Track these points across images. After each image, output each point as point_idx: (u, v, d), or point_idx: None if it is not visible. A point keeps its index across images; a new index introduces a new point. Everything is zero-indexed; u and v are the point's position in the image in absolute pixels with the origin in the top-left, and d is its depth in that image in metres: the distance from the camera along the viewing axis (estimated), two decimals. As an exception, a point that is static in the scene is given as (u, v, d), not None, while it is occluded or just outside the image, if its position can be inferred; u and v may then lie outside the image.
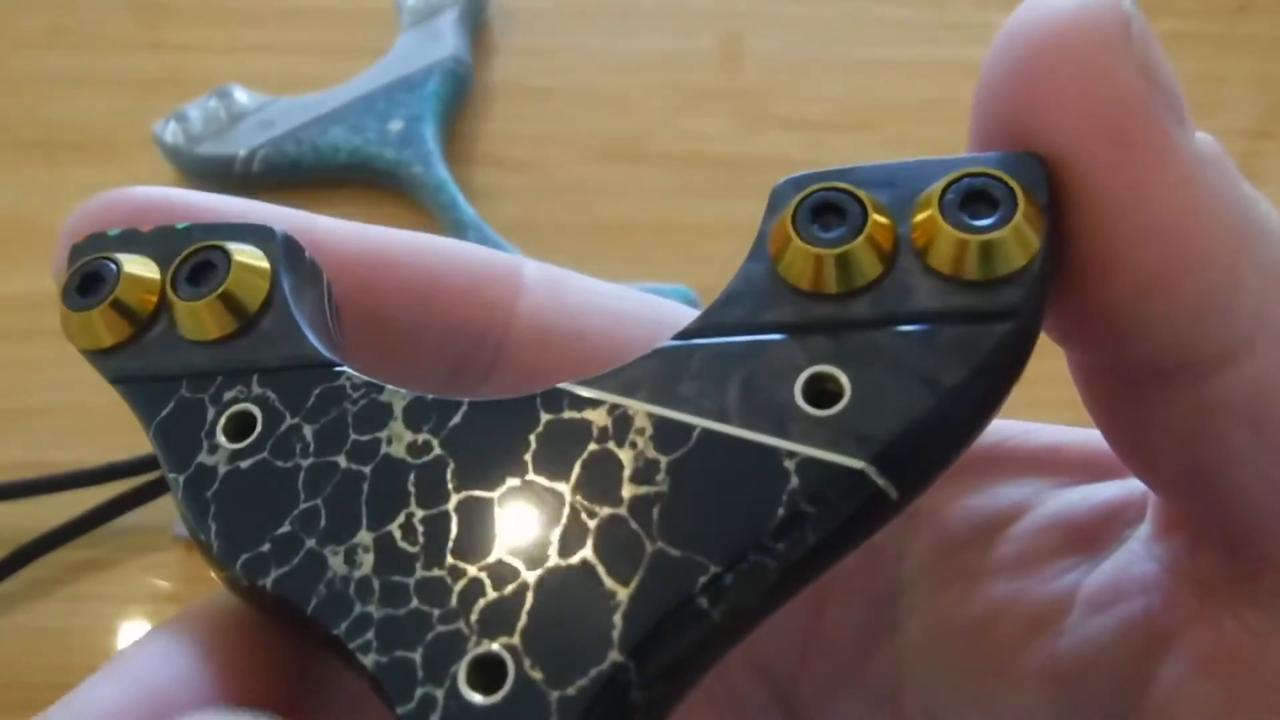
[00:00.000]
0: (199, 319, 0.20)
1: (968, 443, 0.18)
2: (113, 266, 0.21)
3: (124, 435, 0.48)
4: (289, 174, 0.56)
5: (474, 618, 0.17)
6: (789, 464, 0.17)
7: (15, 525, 0.46)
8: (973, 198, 0.18)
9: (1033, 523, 0.23)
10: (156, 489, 0.47)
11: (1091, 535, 0.23)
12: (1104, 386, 0.20)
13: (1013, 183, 0.18)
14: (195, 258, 0.21)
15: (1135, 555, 0.22)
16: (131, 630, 0.45)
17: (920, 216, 0.18)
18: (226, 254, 0.21)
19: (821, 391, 0.18)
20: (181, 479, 0.19)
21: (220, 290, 0.20)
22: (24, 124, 0.59)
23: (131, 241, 0.21)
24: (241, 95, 0.57)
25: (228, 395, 0.20)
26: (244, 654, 0.19)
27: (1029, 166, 0.18)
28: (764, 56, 0.61)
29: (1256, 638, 0.20)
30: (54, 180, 0.57)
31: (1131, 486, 0.23)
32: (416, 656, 0.17)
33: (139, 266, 0.21)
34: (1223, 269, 0.18)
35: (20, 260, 0.55)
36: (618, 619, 0.17)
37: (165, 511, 0.47)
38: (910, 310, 0.18)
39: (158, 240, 0.21)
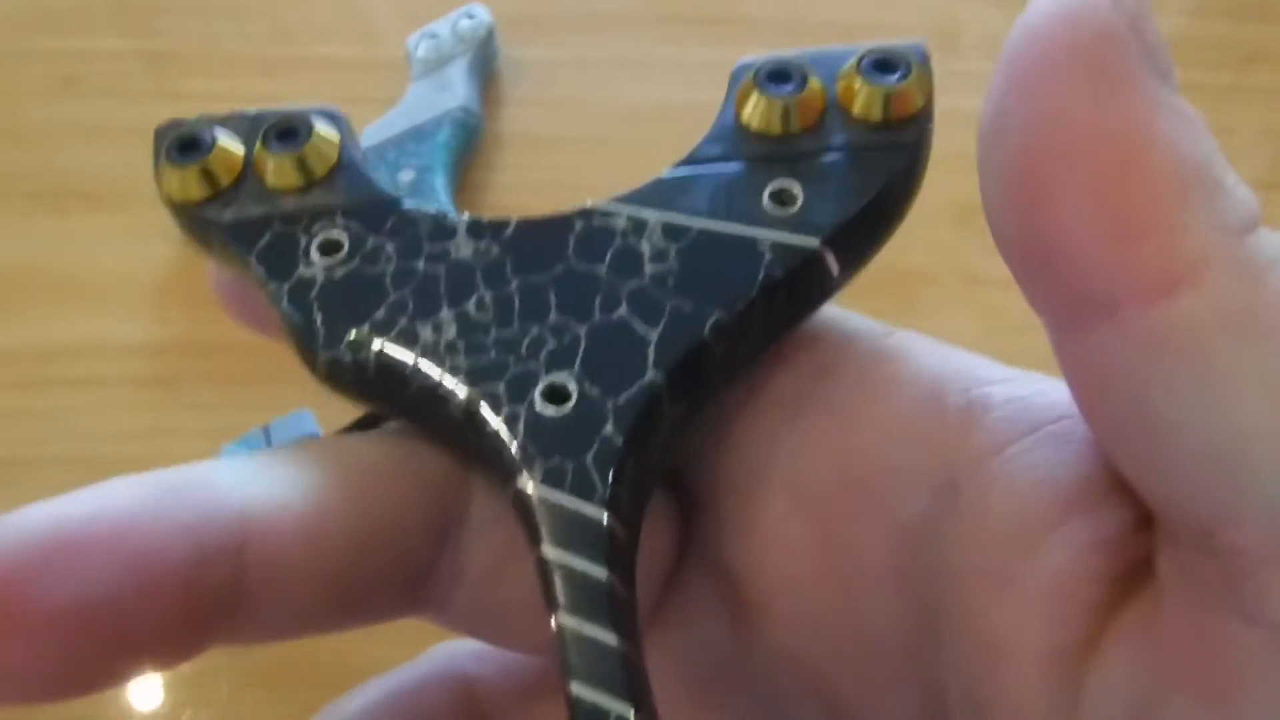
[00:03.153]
0: (286, 170, 0.24)
1: (885, 236, 0.24)
2: (209, 137, 0.25)
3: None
4: (299, 224, 0.56)
5: (541, 359, 0.23)
6: (763, 246, 0.23)
7: (24, 575, 0.46)
8: (879, 65, 0.24)
9: (1071, 536, 0.22)
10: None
11: (1122, 568, 0.22)
12: (1055, 335, 0.21)
13: (909, 55, 0.24)
14: (281, 124, 0.25)
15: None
16: (141, 681, 0.45)
17: (843, 81, 0.24)
18: (309, 124, 0.25)
19: (782, 199, 0.24)
20: (285, 287, 0.24)
21: (306, 147, 0.24)
22: (35, 174, 0.60)
23: (216, 121, 0.25)
24: (252, 145, 0.57)
25: (315, 227, 0.24)
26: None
27: (919, 50, 0.24)
28: (774, 107, 0.61)
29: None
30: (64, 230, 0.58)
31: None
32: (500, 388, 0.22)
33: (229, 140, 0.25)
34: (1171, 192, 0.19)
35: (29, 310, 0.55)
36: (650, 351, 0.23)
37: (175, 561, 0.47)
38: (839, 144, 0.24)
39: (237, 122, 0.25)
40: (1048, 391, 0.23)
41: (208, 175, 0.25)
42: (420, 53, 0.60)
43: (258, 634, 0.22)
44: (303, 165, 0.25)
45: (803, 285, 0.24)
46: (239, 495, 0.21)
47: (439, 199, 0.54)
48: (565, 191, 0.56)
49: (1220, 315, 0.19)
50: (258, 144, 0.25)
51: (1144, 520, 0.21)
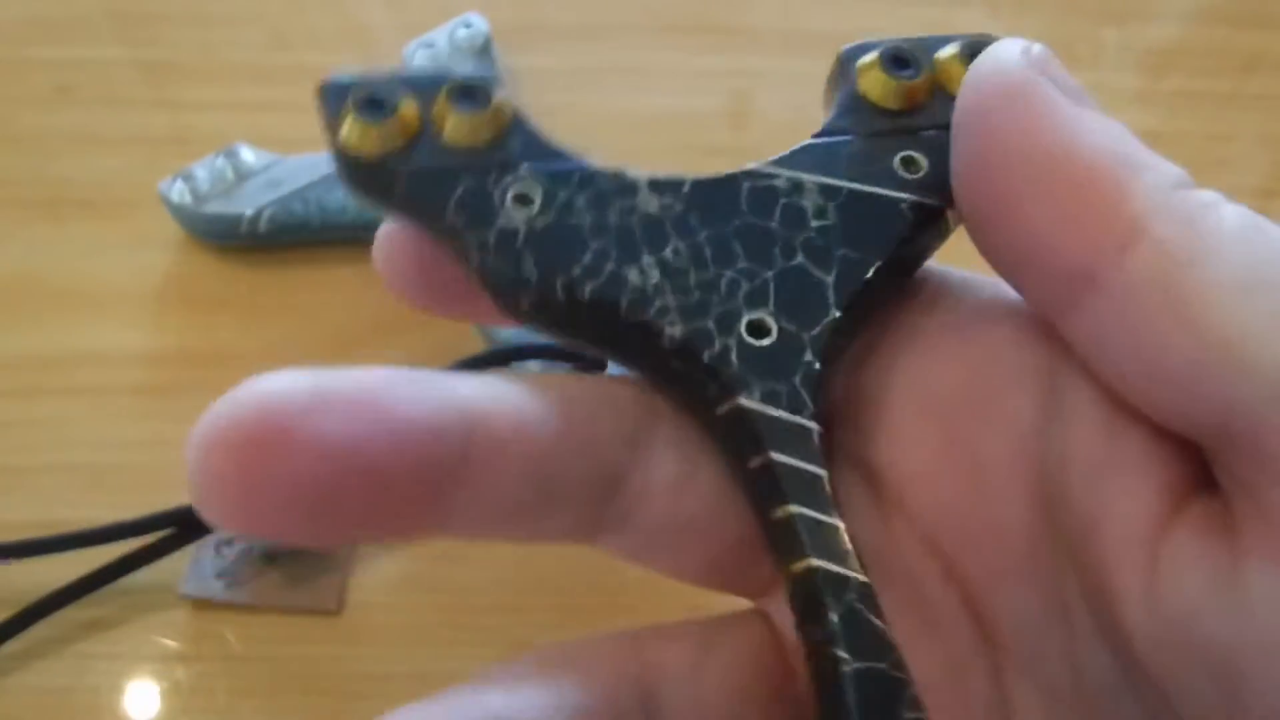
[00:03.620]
0: (469, 128, 0.27)
1: None
2: (393, 95, 0.27)
3: (131, 494, 0.47)
4: (296, 233, 0.56)
5: (740, 299, 0.26)
6: (903, 205, 0.28)
7: (22, 584, 0.46)
8: (975, 53, 0.28)
9: (1144, 427, 0.26)
10: (164, 548, 0.46)
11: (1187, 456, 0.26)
12: (1058, 321, 0.26)
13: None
14: (462, 86, 0.27)
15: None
16: (139, 689, 0.45)
17: (943, 65, 0.29)
18: (487, 85, 0.27)
19: (910, 166, 0.28)
20: (490, 234, 0.26)
21: (491, 108, 0.27)
22: (31, 182, 0.59)
23: (396, 78, 0.28)
24: (248, 154, 0.57)
25: (505, 180, 0.27)
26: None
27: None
28: (771, 114, 0.61)
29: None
30: (60, 239, 0.57)
31: None
32: (710, 323, 0.26)
33: (410, 98, 0.27)
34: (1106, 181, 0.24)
35: (25, 319, 0.55)
36: (829, 294, 0.27)
37: (173, 570, 0.47)
38: (949, 122, 0.27)
39: (414, 80, 0.28)
40: None
41: (393, 131, 0.27)
42: (417, 61, 0.60)
43: (474, 517, 0.24)
44: (484, 124, 0.27)
45: (931, 235, 0.28)
46: (465, 389, 0.24)
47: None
48: (563, 199, 0.56)
49: (1170, 252, 0.23)
50: (439, 101, 0.27)
51: None
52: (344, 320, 0.54)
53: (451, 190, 0.27)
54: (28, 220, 0.58)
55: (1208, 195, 0.24)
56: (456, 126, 0.27)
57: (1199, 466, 0.25)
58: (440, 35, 0.61)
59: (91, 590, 0.46)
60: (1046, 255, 0.25)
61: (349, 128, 0.27)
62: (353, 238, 0.56)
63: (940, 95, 0.29)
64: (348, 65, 0.28)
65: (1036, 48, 0.26)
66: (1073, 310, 0.25)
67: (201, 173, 0.56)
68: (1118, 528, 0.25)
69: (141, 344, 0.54)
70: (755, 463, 0.26)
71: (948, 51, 0.30)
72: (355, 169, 0.27)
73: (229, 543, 0.47)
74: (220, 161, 0.56)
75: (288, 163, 0.57)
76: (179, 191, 0.56)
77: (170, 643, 0.46)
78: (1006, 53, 0.26)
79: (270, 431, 0.21)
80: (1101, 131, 0.25)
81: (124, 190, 0.58)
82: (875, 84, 0.29)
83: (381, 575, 0.48)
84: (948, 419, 0.28)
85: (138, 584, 0.47)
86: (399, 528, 0.24)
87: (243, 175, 0.56)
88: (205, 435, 0.21)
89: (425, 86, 0.28)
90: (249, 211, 0.55)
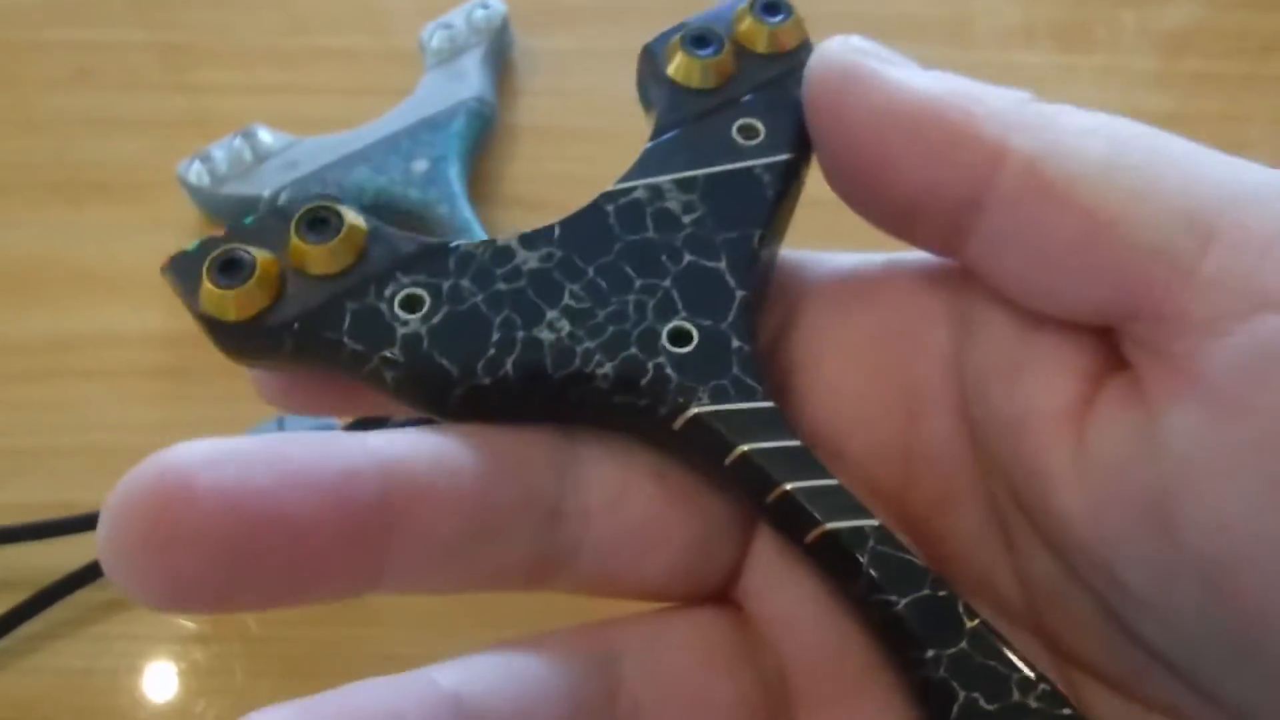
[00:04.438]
0: (332, 255, 0.27)
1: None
2: (244, 253, 0.26)
3: (148, 475, 0.48)
4: (313, 214, 0.55)
5: (649, 316, 0.27)
6: (758, 170, 0.29)
7: (39, 566, 0.46)
8: (767, 8, 0.31)
9: (1059, 325, 0.27)
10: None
11: (1103, 345, 0.27)
12: (957, 257, 0.28)
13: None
14: (306, 217, 0.27)
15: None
16: (157, 670, 0.45)
17: (742, 28, 0.31)
18: (332, 209, 0.27)
19: (748, 132, 0.30)
20: (396, 349, 0.26)
21: (343, 231, 0.27)
22: (48, 165, 0.59)
23: (232, 238, 0.27)
24: (266, 136, 0.57)
25: (387, 291, 0.27)
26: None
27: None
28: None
29: None
30: (78, 221, 0.58)
31: None
32: (634, 349, 0.27)
33: (260, 250, 0.27)
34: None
35: (43, 301, 0.55)
36: (729, 278, 0.28)
37: (190, 552, 0.47)
38: (766, 79, 0.30)
39: (252, 233, 0.27)
40: None
41: (258, 287, 0.26)
42: (434, 43, 0.60)
43: (412, 565, 0.24)
44: (345, 245, 0.27)
45: (791, 187, 0.30)
46: (374, 440, 0.24)
47: (452, 189, 0.54)
48: (579, 182, 0.56)
49: (1036, 158, 0.25)
50: (291, 239, 0.27)
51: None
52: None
53: (340, 321, 0.26)
54: (46, 203, 0.58)
55: (1056, 105, 0.27)
56: (319, 259, 0.27)
57: (1109, 351, 0.27)
58: (458, 16, 0.61)
59: (109, 572, 0.46)
60: (930, 199, 0.27)
61: (211, 299, 0.26)
62: (370, 220, 0.55)
63: (747, 57, 0.31)
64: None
65: (854, 37, 0.29)
66: (968, 239, 0.27)
67: (219, 154, 0.56)
68: (1042, 416, 0.27)
69: (159, 326, 0.54)
70: (730, 459, 0.26)
71: (739, 12, 0.31)
72: (232, 336, 0.27)
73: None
74: (238, 143, 0.56)
75: (305, 144, 0.56)
76: (197, 173, 0.56)
77: (188, 624, 0.46)
78: (829, 48, 0.29)
79: (170, 488, 0.22)
80: (933, 80, 0.27)
81: (142, 172, 0.59)
82: (686, 69, 0.31)
83: (398, 557, 0.47)
84: (871, 363, 0.30)
85: (156, 565, 0.47)
86: (332, 586, 0.24)
87: (260, 156, 0.56)
88: (111, 509, 0.22)
89: (270, 229, 0.27)
90: (267, 193, 0.55)
